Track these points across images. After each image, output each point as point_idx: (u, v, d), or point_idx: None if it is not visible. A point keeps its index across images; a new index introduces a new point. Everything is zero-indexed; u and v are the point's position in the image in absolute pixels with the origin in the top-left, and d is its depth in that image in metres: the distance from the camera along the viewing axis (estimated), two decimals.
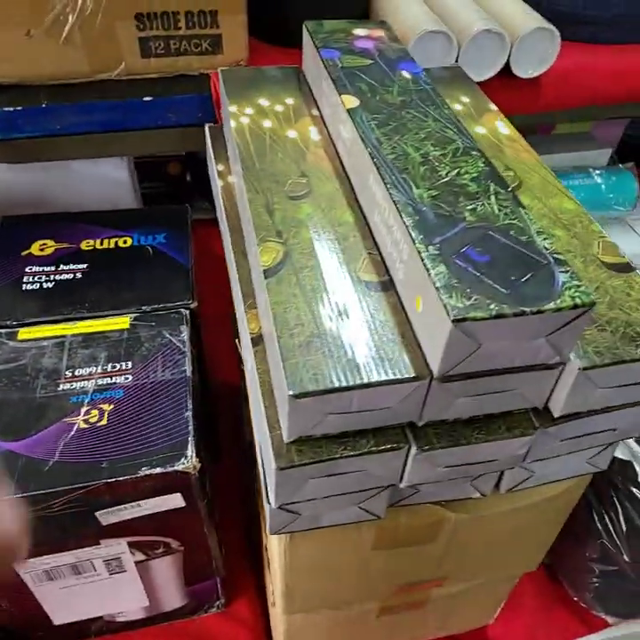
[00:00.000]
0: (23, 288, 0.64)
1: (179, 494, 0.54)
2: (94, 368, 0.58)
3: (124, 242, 0.70)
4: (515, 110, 0.66)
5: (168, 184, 1.08)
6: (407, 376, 0.34)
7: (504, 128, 0.56)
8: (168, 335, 0.62)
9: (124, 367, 0.58)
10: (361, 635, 0.66)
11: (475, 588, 0.64)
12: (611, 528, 0.66)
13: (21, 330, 0.61)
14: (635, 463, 0.63)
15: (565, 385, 0.37)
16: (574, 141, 1.07)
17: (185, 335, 0.62)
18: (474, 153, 0.42)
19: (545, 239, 0.35)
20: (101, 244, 0.70)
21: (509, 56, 0.67)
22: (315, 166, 0.50)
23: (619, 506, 0.64)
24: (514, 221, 0.37)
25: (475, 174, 0.40)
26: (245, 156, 0.50)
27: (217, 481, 0.68)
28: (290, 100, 0.58)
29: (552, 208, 0.47)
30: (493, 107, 0.58)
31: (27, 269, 0.66)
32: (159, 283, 0.66)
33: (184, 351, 0.60)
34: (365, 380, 0.34)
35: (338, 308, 0.38)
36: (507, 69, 0.69)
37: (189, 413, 0.55)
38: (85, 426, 0.53)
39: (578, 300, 0.32)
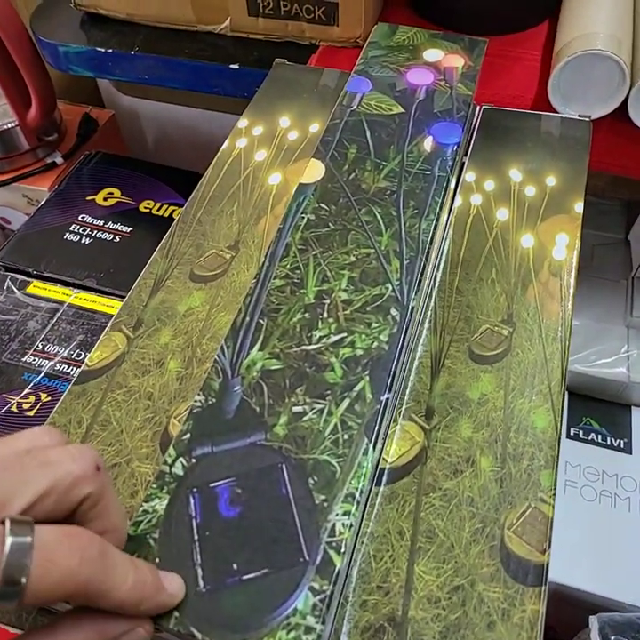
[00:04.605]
0: (64, 237, 0.61)
1: None
2: (63, 349, 0.53)
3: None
4: None
5: None
6: None
7: (561, 249, 0.39)
8: None
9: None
10: None
11: None
12: None
13: (35, 282, 0.57)
14: None
15: None
16: None
17: None
18: (394, 312, 0.31)
19: (345, 513, 0.25)
20: (158, 209, 0.64)
21: None
22: (260, 234, 0.39)
23: None
24: (328, 458, 0.27)
25: (359, 352, 0.30)
26: (196, 197, 0.41)
27: None
28: (314, 127, 0.45)
29: (509, 423, 0.33)
30: (579, 207, 0.41)
31: (79, 217, 0.63)
32: None
33: None
34: None
35: None
36: None
37: None
38: (15, 410, 0.49)
39: None
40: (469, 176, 0.42)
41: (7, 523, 0.19)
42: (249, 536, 0.25)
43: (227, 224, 0.40)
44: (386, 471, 0.31)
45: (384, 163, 0.38)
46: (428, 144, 0.39)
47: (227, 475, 0.26)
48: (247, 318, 0.31)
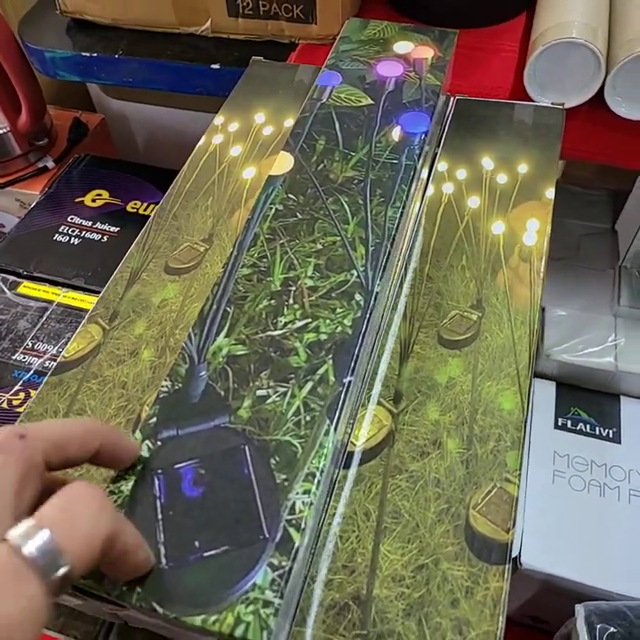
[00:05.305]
0: (54, 238, 0.62)
1: None
2: (51, 347, 0.53)
3: None
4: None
5: None
6: None
7: (531, 235, 0.40)
8: None
9: None
10: None
11: None
12: None
13: (25, 282, 0.58)
14: None
15: None
16: None
17: None
18: (358, 297, 0.32)
19: (305, 492, 0.26)
20: (145, 209, 0.65)
21: None
22: (234, 227, 0.40)
23: None
24: (290, 439, 0.27)
25: (323, 337, 0.30)
26: (172, 193, 0.42)
27: None
28: (289, 122, 0.45)
29: (476, 405, 0.33)
30: (550, 193, 0.41)
31: (68, 219, 0.64)
32: None
33: None
34: None
35: None
36: None
37: None
38: (5, 406, 0.50)
39: (239, 631, 0.23)
40: (442, 166, 0.42)
41: (11, 536, 0.19)
42: (211, 515, 0.25)
43: (201, 218, 0.40)
44: (353, 454, 0.31)
45: (352, 153, 0.38)
46: (395, 134, 0.39)
47: (191, 456, 0.27)
48: (214, 306, 0.32)
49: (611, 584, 0.48)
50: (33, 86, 0.65)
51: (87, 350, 0.35)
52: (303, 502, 0.25)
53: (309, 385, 0.29)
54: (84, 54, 0.58)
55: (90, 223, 0.63)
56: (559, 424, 0.58)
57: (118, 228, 0.62)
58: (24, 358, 0.52)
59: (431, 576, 0.28)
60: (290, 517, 0.25)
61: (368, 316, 0.31)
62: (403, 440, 0.32)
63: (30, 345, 0.53)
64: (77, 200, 0.65)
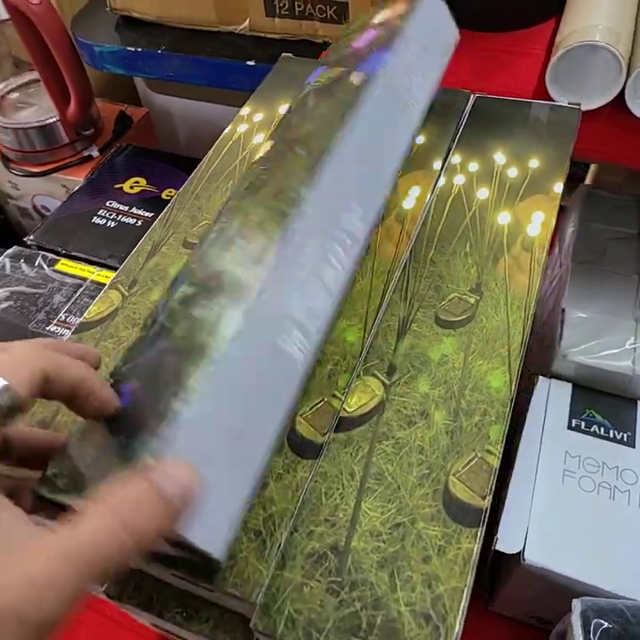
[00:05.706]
0: (92, 220, 0.66)
1: None
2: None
3: None
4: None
5: None
6: None
7: (536, 226, 0.40)
8: None
9: None
10: None
11: None
12: None
13: (62, 260, 0.62)
14: None
15: None
16: None
17: None
18: (289, 211, 0.32)
19: (202, 373, 0.26)
20: None
21: None
22: None
23: None
24: (205, 338, 0.28)
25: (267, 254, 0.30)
26: (196, 176, 0.46)
27: None
28: None
29: (465, 381, 0.34)
30: (558, 187, 0.42)
31: (107, 203, 0.68)
32: None
33: None
34: None
35: None
36: None
37: None
38: None
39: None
40: (455, 159, 0.44)
41: None
42: (131, 416, 0.27)
43: (221, 199, 0.43)
44: (345, 420, 0.33)
45: (315, 111, 0.38)
46: (355, 78, 0.38)
47: (134, 377, 0.28)
48: (185, 268, 0.32)
49: (615, 586, 0.48)
50: (82, 79, 0.69)
51: (106, 313, 0.38)
52: (195, 379, 0.26)
53: (235, 296, 0.29)
54: (129, 49, 0.62)
55: (126, 208, 0.66)
56: (573, 425, 0.58)
57: (152, 214, 0.65)
58: (57, 330, 0.56)
59: (407, 533, 0.30)
60: (182, 395, 0.26)
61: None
62: (392, 409, 0.33)
63: (63, 317, 0.56)
64: (117, 186, 0.68)
